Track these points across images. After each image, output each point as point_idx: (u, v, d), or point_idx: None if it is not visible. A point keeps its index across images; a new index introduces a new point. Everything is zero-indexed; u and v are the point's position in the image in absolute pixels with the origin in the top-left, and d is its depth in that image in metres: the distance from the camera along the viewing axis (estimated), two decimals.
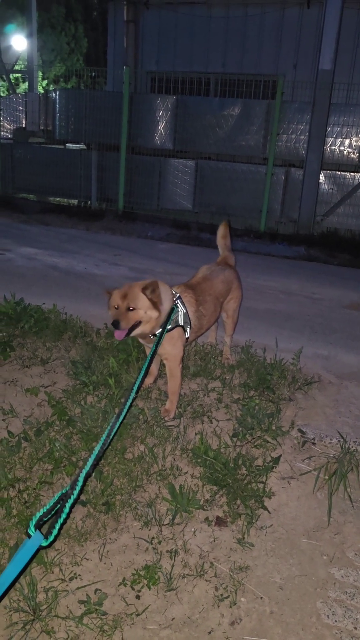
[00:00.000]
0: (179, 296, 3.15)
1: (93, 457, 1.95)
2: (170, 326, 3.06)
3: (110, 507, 2.55)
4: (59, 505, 1.69)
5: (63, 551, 2.34)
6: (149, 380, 3.57)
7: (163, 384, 3.56)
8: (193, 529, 2.50)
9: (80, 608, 2.09)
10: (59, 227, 9.71)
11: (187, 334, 3.21)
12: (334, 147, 9.94)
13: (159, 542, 2.41)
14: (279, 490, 2.78)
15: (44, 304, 4.65)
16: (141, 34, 13.39)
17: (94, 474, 2.70)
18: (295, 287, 6.63)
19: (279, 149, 10.03)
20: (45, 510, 1.65)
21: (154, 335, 3.04)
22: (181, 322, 3.12)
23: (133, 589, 2.19)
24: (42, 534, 1.60)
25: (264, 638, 2.04)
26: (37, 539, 1.59)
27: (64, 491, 1.75)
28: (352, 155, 9.97)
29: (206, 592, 2.20)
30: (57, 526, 1.64)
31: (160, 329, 3.02)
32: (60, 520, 1.65)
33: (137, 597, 2.16)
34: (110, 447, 2.91)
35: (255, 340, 4.34)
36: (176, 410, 3.28)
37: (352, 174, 9.82)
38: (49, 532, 1.61)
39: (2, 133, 12.82)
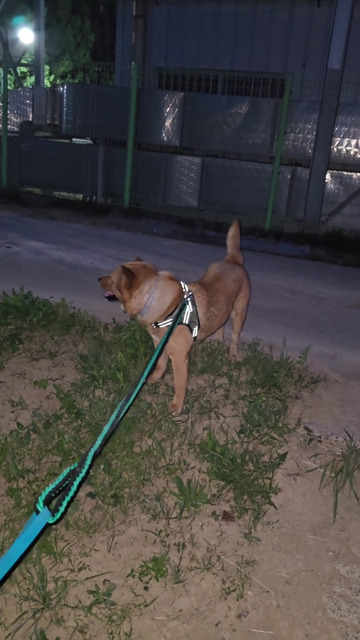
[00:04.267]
0: (191, 294, 3.18)
1: (102, 436, 1.96)
2: (176, 323, 3.09)
3: (118, 500, 2.58)
4: (67, 482, 1.71)
5: (72, 542, 2.37)
6: (156, 375, 3.60)
7: (170, 380, 3.59)
8: (200, 523, 2.53)
9: (89, 598, 2.12)
10: (65, 222, 9.73)
11: (195, 333, 3.23)
12: (340, 147, 9.95)
13: (167, 535, 2.44)
14: (285, 486, 2.81)
15: (52, 297, 4.68)
16: (150, 29, 13.37)
17: (102, 466, 2.73)
18: (301, 286, 6.65)
19: (286, 147, 10.03)
20: (54, 487, 1.66)
21: (156, 325, 3.12)
22: (186, 321, 3.15)
23: (141, 581, 2.22)
24: (50, 510, 1.62)
25: (270, 631, 2.07)
26: (45, 515, 1.60)
27: (72, 468, 1.77)
28: (359, 156, 9.97)
29: (213, 585, 2.23)
30: (65, 503, 1.66)
31: (164, 322, 3.09)
32: (68, 497, 1.67)
33: (146, 588, 2.19)
34: (118, 440, 2.94)
35: (262, 339, 4.36)
36: (183, 406, 3.31)
37: (358, 174, 9.82)
38: (56, 509, 1.63)
39: (9, 126, 12.82)
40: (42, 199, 11.41)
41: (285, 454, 2.98)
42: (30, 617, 2.03)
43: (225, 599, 2.17)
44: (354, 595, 2.26)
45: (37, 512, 1.59)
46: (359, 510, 2.70)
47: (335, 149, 9.90)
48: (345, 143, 9.90)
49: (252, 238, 9.23)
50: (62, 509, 1.63)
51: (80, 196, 11.75)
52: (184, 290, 3.15)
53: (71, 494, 1.68)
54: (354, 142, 9.85)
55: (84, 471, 1.76)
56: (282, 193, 10.02)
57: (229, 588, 2.22)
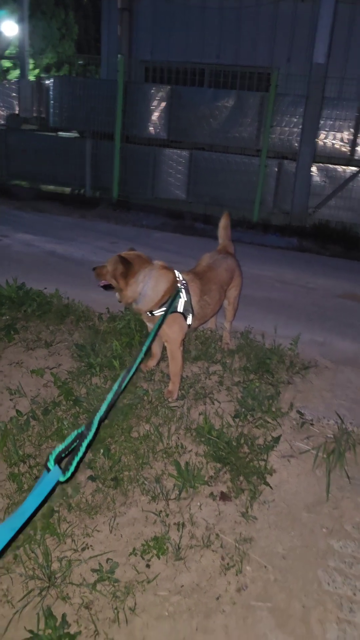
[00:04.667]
0: (185, 283, 3.25)
1: (106, 403, 2.03)
2: (171, 311, 3.16)
3: (118, 483, 2.65)
4: (75, 444, 1.77)
5: (74, 523, 2.43)
6: (152, 363, 3.67)
7: (165, 367, 3.66)
8: (199, 503, 2.60)
9: (93, 576, 2.18)
10: (54, 215, 9.71)
11: (189, 321, 3.30)
12: (326, 140, 10.06)
13: (167, 515, 2.51)
14: (280, 467, 2.90)
15: (45, 288, 4.71)
16: (135, 22, 13.34)
17: (102, 450, 2.80)
18: (290, 277, 6.75)
19: (272, 141, 10.11)
20: (63, 447, 1.73)
21: (151, 313, 3.19)
22: (180, 309, 3.22)
23: (143, 559, 2.29)
24: (60, 469, 1.68)
25: (269, 603, 2.16)
26: (55, 474, 1.67)
27: (79, 431, 1.83)
28: (344, 149, 10.09)
29: (213, 562, 2.31)
30: (74, 463, 1.72)
31: (159, 310, 3.16)
32: (77, 458, 1.73)
33: (147, 565, 2.26)
34: (116, 426, 3.00)
35: (254, 327, 4.45)
36: (179, 392, 3.38)
37: (343, 167, 9.95)
38: (66, 469, 1.69)
39: None
40: (30, 192, 11.36)
41: (279, 436, 3.06)
42: (36, 594, 2.10)
43: (225, 574, 2.26)
44: (348, 569, 2.35)
45: (48, 470, 1.65)
46: (351, 488, 2.80)
47: (320, 142, 10.01)
48: (330, 136, 10.02)
49: (240, 230, 9.30)
50: (72, 468, 1.69)
51: (67, 189, 11.72)
52: (178, 279, 3.21)
53: (80, 454, 1.75)
54: (339, 135, 9.97)
55: (91, 434, 1.82)
56: (270, 186, 10.11)
57: (228, 564, 2.30)
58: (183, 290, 3.20)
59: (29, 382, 3.46)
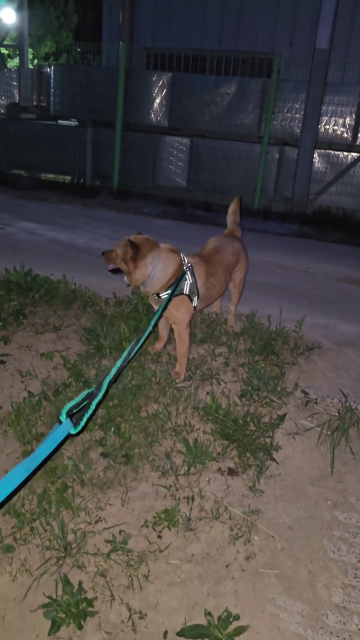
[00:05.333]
0: (190, 266, 3.32)
1: (116, 367, 2.12)
2: (177, 293, 3.23)
3: (129, 459, 2.74)
4: (85, 402, 1.86)
5: (88, 498, 2.52)
6: (159, 345, 3.74)
7: (172, 349, 3.73)
8: (207, 478, 2.69)
9: (107, 546, 2.27)
10: (56, 203, 9.76)
11: (195, 303, 3.37)
12: (328, 127, 10.05)
13: (176, 490, 2.60)
14: (285, 444, 2.99)
15: (51, 275, 4.77)
16: (137, 9, 13.23)
17: (113, 429, 2.88)
18: (291, 263, 6.82)
19: (274, 127, 10.10)
20: (74, 403, 1.82)
21: (158, 296, 3.26)
22: (186, 291, 3.29)
23: (155, 530, 2.38)
24: (72, 422, 1.78)
25: (277, 570, 2.25)
26: (67, 426, 1.76)
27: (89, 391, 1.92)
28: (346, 135, 10.09)
29: (222, 532, 2.40)
30: (85, 419, 1.81)
31: (165, 293, 3.22)
32: (87, 415, 1.83)
33: (159, 536, 2.36)
34: (126, 406, 3.08)
35: (258, 310, 4.52)
36: (186, 373, 3.46)
37: (345, 153, 9.95)
38: (77, 424, 1.79)
39: None
40: (31, 181, 11.38)
41: (284, 415, 3.15)
42: (53, 564, 2.19)
43: (234, 544, 2.35)
44: (352, 538, 2.45)
45: (60, 422, 1.74)
46: (355, 463, 2.89)
47: (322, 128, 9.99)
48: (332, 122, 10.00)
49: (241, 217, 9.33)
50: (82, 423, 1.79)
51: (68, 178, 11.73)
52: (183, 262, 3.28)
53: (90, 412, 1.84)
54: (341, 121, 9.96)
55: (100, 394, 1.91)
56: (271, 172, 10.12)
57: (236, 534, 2.39)
58: (188, 273, 3.27)
59: (38, 365, 3.54)
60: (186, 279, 3.26)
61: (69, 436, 1.82)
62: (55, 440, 1.73)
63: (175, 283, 3.19)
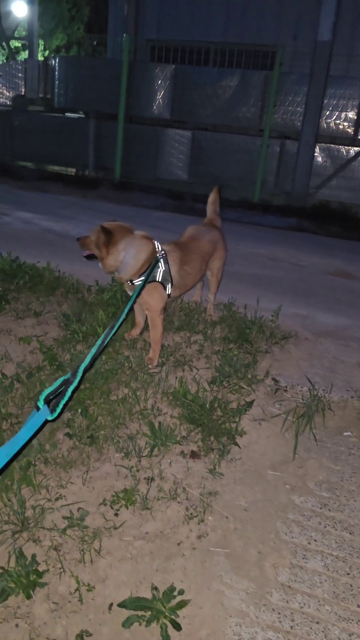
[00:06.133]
0: (164, 253, 3.36)
1: (91, 355, 2.18)
2: (150, 280, 3.27)
3: (94, 440, 2.79)
4: (61, 389, 1.93)
5: (50, 476, 2.58)
6: (135, 332, 3.79)
7: (148, 336, 3.78)
8: (169, 460, 2.74)
9: (64, 522, 2.33)
10: (56, 194, 9.83)
11: (169, 291, 3.42)
12: (329, 120, 10.01)
13: (137, 471, 2.65)
14: (251, 430, 3.02)
15: (38, 262, 4.84)
16: (142, 1, 13.24)
17: (80, 410, 2.94)
18: (282, 255, 6.83)
19: (275, 120, 10.09)
20: (51, 390, 1.89)
21: (132, 282, 3.31)
22: (159, 279, 3.33)
23: (112, 508, 2.44)
24: (49, 408, 1.84)
25: (227, 549, 2.30)
26: (44, 412, 1.83)
27: (65, 377, 1.99)
28: (348, 129, 10.04)
29: (177, 512, 2.45)
30: (61, 405, 1.88)
31: (139, 279, 3.27)
32: (64, 401, 1.89)
33: (116, 514, 2.41)
34: (96, 389, 3.14)
35: (239, 300, 4.55)
36: (159, 359, 3.51)
37: (346, 147, 9.91)
38: (54, 410, 1.85)
39: (1, 100, 12.80)
40: (34, 172, 11.47)
41: (252, 401, 3.19)
42: (9, 537, 2.25)
43: (188, 523, 2.40)
44: (306, 521, 2.48)
45: (38, 409, 1.81)
46: (317, 450, 2.92)
47: (323, 122, 9.96)
48: (334, 116, 9.97)
49: (240, 210, 9.36)
50: (58, 410, 1.85)
51: (73, 170, 11.81)
52: (157, 249, 3.32)
53: (66, 398, 1.91)
54: (342, 115, 9.92)
55: (76, 381, 1.98)
56: (271, 166, 10.12)
57: (191, 514, 2.44)
58: (162, 260, 3.31)
59: (16, 349, 3.60)
60: (159, 266, 3.30)
61: (46, 422, 1.89)
62: (34, 426, 1.80)
63: (149, 270, 3.23)
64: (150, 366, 3.44)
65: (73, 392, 1.99)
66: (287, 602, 2.10)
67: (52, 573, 2.13)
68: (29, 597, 2.03)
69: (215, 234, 3.89)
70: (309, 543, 2.37)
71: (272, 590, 2.14)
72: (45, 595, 2.05)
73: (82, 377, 2.10)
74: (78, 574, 2.13)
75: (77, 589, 2.07)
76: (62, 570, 2.14)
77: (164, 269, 3.31)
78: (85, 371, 2.14)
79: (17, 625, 1.92)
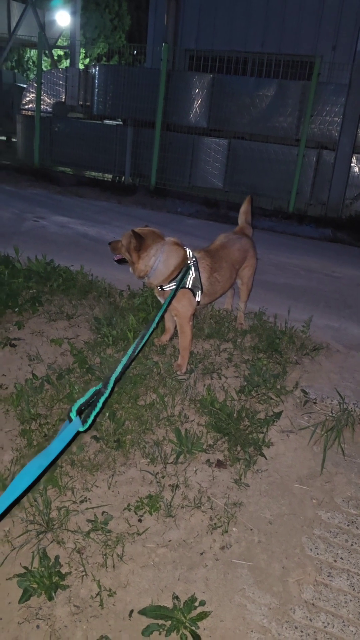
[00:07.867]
0: (195, 260, 3.36)
1: (122, 364, 2.19)
2: (181, 286, 3.28)
3: (121, 445, 2.80)
4: (92, 400, 1.94)
5: (76, 478, 2.59)
6: (165, 338, 3.80)
7: (178, 343, 3.78)
8: (195, 468, 2.72)
9: (88, 525, 2.34)
10: (92, 200, 9.96)
11: (198, 298, 3.41)
12: None
13: (163, 477, 2.65)
14: (278, 441, 2.98)
15: (72, 265, 4.91)
16: (182, 11, 13.37)
17: (108, 414, 2.95)
18: (316, 266, 6.74)
19: (312, 130, 10.01)
20: (83, 401, 1.90)
21: (161, 288, 3.31)
22: (189, 285, 3.33)
23: (136, 514, 2.43)
24: (81, 419, 1.86)
25: (250, 562, 2.26)
26: (76, 424, 1.84)
27: (97, 388, 2.00)
28: None
29: (201, 521, 2.43)
30: (92, 416, 1.89)
31: (169, 285, 3.27)
32: (95, 412, 1.90)
33: (139, 520, 2.41)
34: (125, 393, 3.15)
35: (271, 310, 4.51)
36: (188, 366, 3.50)
37: None
38: (85, 421, 1.87)
39: (43, 107, 13.07)
40: (72, 178, 11.66)
41: (281, 412, 3.14)
42: (33, 537, 2.27)
43: (211, 533, 2.37)
44: (332, 538, 2.43)
45: (70, 420, 1.82)
46: (346, 465, 2.86)
47: None
48: None
49: (275, 220, 9.30)
50: (90, 421, 1.86)
51: (109, 176, 11.97)
52: (188, 255, 3.32)
53: (97, 409, 1.92)
54: None
55: (107, 392, 1.99)
56: (307, 176, 10.03)
57: (215, 524, 2.41)
58: (192, 267, 3.31)
59: (47, 351, 3.65)
60: (190, 273, 3.30)
61: (78, 433, 1.90)
62: (66, 438, 1.82)
63: (180, 276, 3.24)
64: (178, 373, 3.44)
65: (104, 403, 2.00)
66: (311, 620, 2.05)
67: (74, 576, 2.14)
68: (50, 598, 2.04)
69: (245, 242, 3.88)
70: (335, 560, 2.31)
71: (295, 607, 2.10)
72: (66, 598, 2.05)
73: (113, 387, 2.11)
74: (100, 578, 2.13)
75: (98, 594, 2.07)
76: (84, 573, 2.14)
77: (194, 275, 3.31)
78: (116, 382, 2.14)
79: (38, 627, 1.93)
